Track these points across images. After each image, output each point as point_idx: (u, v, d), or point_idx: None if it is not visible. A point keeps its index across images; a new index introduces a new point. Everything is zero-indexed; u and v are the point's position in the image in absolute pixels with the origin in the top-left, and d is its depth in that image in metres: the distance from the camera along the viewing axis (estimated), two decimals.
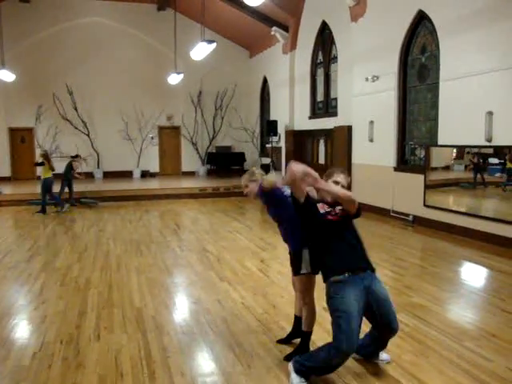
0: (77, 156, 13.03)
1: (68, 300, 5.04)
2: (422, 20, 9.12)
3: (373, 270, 3.21)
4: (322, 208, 3.24)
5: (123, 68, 17.74)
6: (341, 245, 3.17)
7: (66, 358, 3.66)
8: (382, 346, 3.47)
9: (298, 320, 3.79)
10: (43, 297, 5.16)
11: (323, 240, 3.21)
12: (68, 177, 12.22)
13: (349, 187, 3.36)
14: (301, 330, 3.66)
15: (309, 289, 3.56)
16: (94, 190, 13.37)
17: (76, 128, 17.47)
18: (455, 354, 3.64)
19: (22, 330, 4.31)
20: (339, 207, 3.23)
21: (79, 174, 12.73)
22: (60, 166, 12.61)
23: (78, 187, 12.83)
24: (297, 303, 3.83)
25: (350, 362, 3.50)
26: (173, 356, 3.67)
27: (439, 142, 8.64)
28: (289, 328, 3.94)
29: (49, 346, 3.86)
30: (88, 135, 17.63)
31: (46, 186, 11.22)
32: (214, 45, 11.01)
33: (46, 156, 11.56)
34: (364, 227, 7.90)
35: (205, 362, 3.61)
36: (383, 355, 3.54)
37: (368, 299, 3.10)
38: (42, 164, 11.42)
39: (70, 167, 12.27)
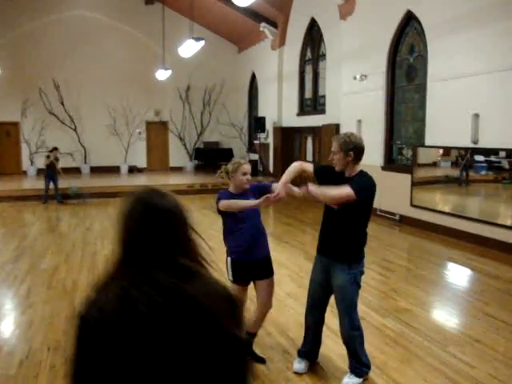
0: (54, 149, 12.30)
1: (55, 304, 5.01)
2: (410, 20, 9.16)
3: (341, 261, 3.26)
4: None
5: (111, 62, 17.56)
6: (325, 228, 3.43)
7: (53, 365, 3.65)
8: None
9: None
10: (30, 300, 5.13)
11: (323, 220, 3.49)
12: (48, 172, 11.86)
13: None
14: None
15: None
16: (81, 186, 13.21)
17: (63, 123, 17.29)
18: (439, 361, 3.70)
19: (8, 336, 4.30)
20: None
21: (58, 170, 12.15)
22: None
23: (63, 183, 12.61)
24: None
25: (334, 368, 3.55)
26: None
27: (426, 143, 8.71)
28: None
29: (36, 354, 3.85)
30: (75, 130, 17.48)
31: None
32: (202, 42, 10.97)
33: None
34: None
35: None
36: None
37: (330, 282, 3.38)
38: None
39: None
